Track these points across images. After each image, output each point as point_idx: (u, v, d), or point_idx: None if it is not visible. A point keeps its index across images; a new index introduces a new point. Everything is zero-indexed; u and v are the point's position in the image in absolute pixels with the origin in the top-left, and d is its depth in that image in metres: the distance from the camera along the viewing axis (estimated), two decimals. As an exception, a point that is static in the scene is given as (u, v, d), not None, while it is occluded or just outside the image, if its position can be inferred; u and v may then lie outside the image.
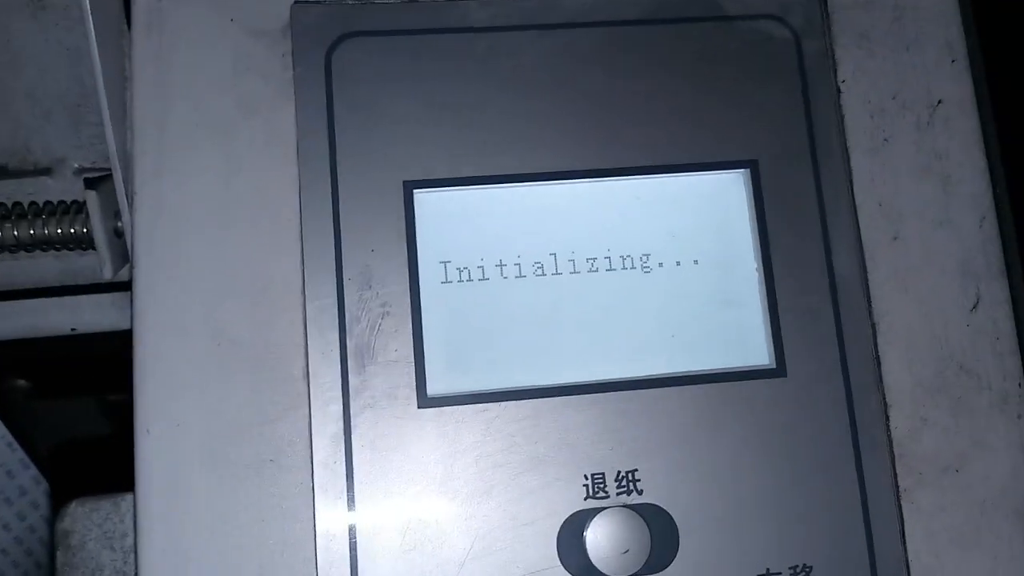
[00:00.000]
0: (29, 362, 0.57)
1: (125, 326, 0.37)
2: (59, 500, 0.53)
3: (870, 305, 0.31)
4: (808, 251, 0.31)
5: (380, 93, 0.32)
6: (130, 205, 0.31)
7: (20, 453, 0.50)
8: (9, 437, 0.48)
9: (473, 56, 0.32)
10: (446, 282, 0.31)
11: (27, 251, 0.35)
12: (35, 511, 0.52)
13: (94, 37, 0.30)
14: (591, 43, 0.33)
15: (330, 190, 0.31)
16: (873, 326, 0.31)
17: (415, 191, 0.31)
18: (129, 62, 0.33)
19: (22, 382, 0.58)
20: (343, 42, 0.32)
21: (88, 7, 0.30)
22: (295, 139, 0.31)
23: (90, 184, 0.33)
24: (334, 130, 0.31)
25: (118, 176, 0.31)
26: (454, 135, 0.31)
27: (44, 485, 0.52)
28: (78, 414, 0.61)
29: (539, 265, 0.31)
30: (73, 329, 0.36)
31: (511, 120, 0.32)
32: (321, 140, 0.31)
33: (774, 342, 0.30)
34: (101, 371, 0.60)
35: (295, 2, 0.32)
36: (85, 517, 0.34)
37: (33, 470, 0.51)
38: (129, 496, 0.33)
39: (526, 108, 0.32)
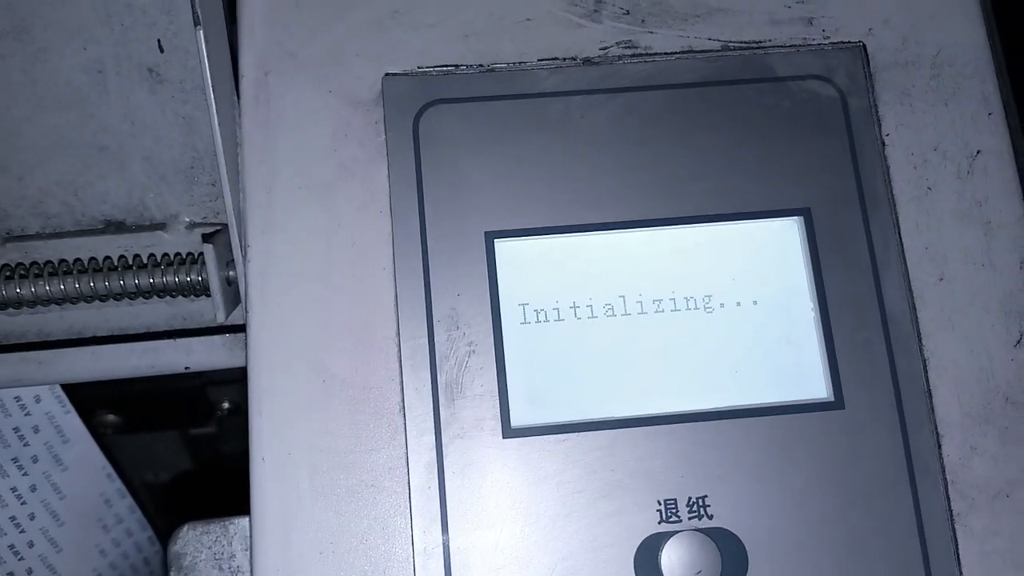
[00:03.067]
0: (118, 399, 0.61)
1: (234, 364, 0.40)
2: (151, 524, 0.57)
3: (920, 341, 0.33)
4: (861, 291, 0.33)
5: (463, 153, 0.35)
6: (244, 257, 0.34)
7: (118, 483, 0.53)
8: (109, 468, 0.52)
9: (547, 118, 0.36)
10: (525, 323, 0.34)
11: (145, 298, 0.39)
12: (129, 538, 0.56)
13: (215, 108, 0.34)
14: (653, 105, 0.36)
15: (419, 241, 0.34)
16: (924, 361, 0.33)
17: (496, 240, 0.34)
18: (239, 129, 0.36)
19: (112, 417, 0.63)
20: (429, 108, 0.36)
21: (210, 81, 0.34)
22: (388, 197, 0.35)
23: (206, 238, 0.36)
24: (422, 188, 0.35)
25: (233, 231, 0.35)
26: (530, 189, 0.35)
27: (138, 514, 0.55)
28: (161, 448, 0.66)
29: (610, 307, 0.34)
30: (187, 368, 0.40)
31: (582, 175, 0.35)
32: (411, 196, 0.35)
33: (831, 377, 0.32)
34: (183, 408, 0.64)
35: (386, 74, 0.36)
36: (196, 540, 0.37)
37: (129, 500, 0.54)
38: (237, 520, 0.36)
39: (596, 164, 0.35)
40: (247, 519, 0.34)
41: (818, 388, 0.32)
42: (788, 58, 0.37)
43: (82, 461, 0.52)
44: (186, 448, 0.66)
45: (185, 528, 0.37)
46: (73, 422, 0.50)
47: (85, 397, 0.52)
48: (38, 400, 0.48)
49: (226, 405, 0.65)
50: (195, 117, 0.39)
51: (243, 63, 0.36)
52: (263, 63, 0.36)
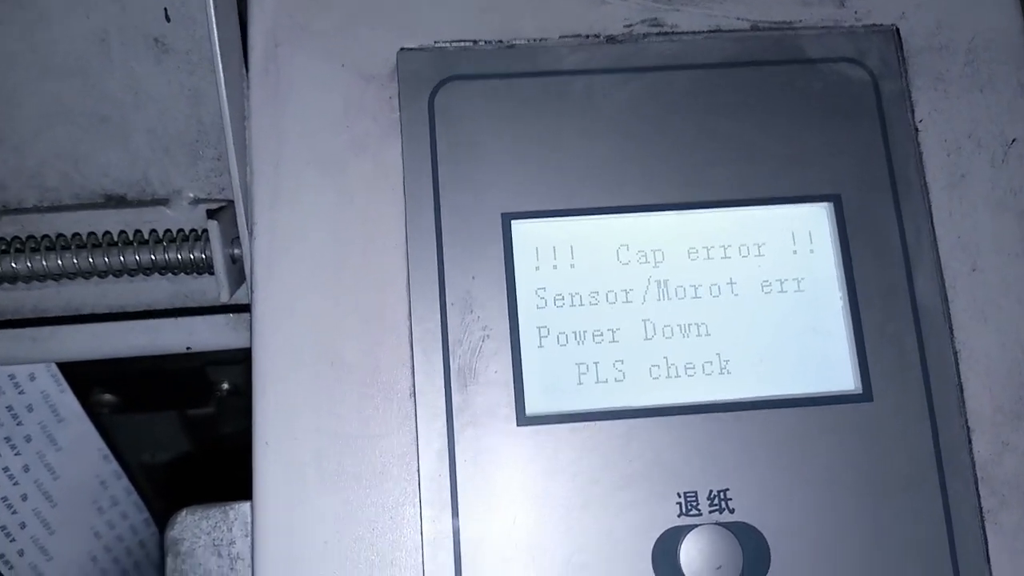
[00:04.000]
0: (116, 378, 0.60)
1: (238, 345, 0.39)
2: (148, 507, 0.56)
3: (952, 333, 0.32)
4: (891, 281, 0.32)
5: (479, 131, 0.34)
6: (249, 234, 0.33)
7: (114, 464, 0.52)
8: (105, 449, 0.51)
9: (566, 97, 0.34)
10: (542, 307, 0.32)
11: (145, 275, 0.38)
12: (124, 520, 0.55)
13: (223, 79, 0.33)
14: (679, 85, 0.35)
15: (433, 221, 0.33)
16: (955, 353, 0.32)
17: (513, 221, 0.33)
18: (247, 102, 0.35)
19: (108, 396, 0.61)
20: (445, 85, 0.35)
21: (219, 52, 0.33)
22: (401, 175, 0.33)
23: (210, 214, 0.35)
24: (437, 166, 0.34)
25: (239, 207, 0.34)
26: (548, 170, 0.33)
27: (134, 496, 0.54)
28: (160, 428, 0.64)
29: (630, 292, 0.33)
30: (188, 348, 0.39)
31: (603, 156, 0.34)
32: (425, 175, 0.33)
33: (860, 368, 0.31)
34: (182, 388, 0.63)
35: (401, 48, 0.35)
36: (195, 525, 0.36)
37: (125, 481, 0.53)
38: (237, 505, 0.35)
39: (617, 145, 0.34)
40: (248, 504, 0.33)
41: (846, 380, 0.31)
42: (819, 40, 0.35)
43: (77, 441, 0.51)
44: (184, 429, 0.65)
45: (183, 513, 0.36)
46: (69, 401, 0.49)
47: (82, 376, 0.51)
48: (33, 378, 0.47)
49: (225, 386, 0.64)
50: (201, 89, 0.38)
51: (252, 34, 0.35)
52: (273, 34, 0.35)
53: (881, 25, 0.36)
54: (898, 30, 0.36)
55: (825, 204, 0.33)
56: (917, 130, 0.35)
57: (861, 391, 0.31)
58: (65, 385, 0.49)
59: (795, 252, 0.33)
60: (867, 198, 0.33)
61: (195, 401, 0.65)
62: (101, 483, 0.53)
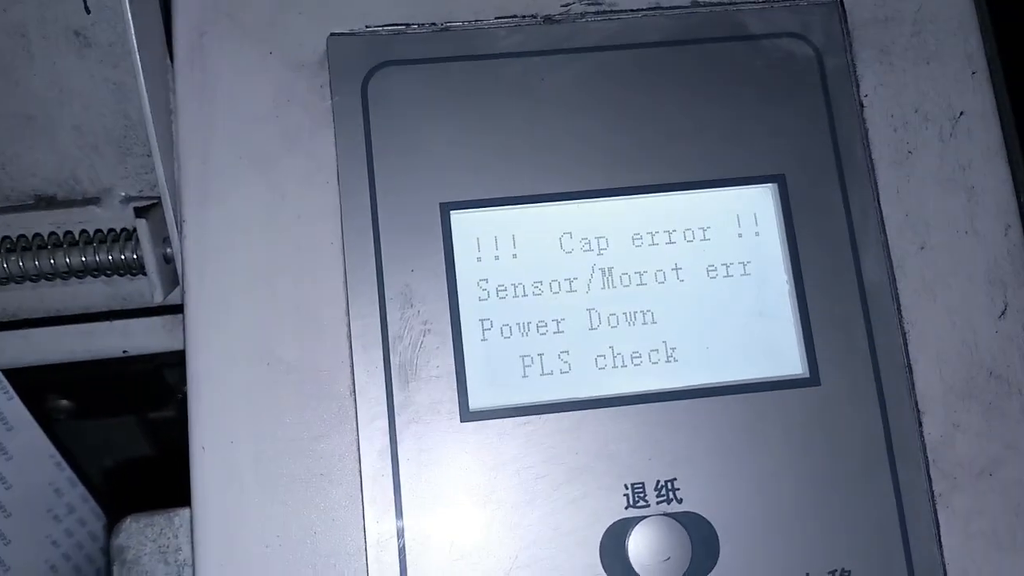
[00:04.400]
0: (70, 383, 0.59)
1: (174, 347, 0.38)
2: (106, 514, 0.55)
3: (900, 314, 0.32)
4: (837, 262, 0.32)
5: (416, 119, 0.33)
6: (179, 232, 0.32)
7: (68, 472, 0.51)
8: (58, 456, 0.50)
9: (505, 80, 0.33)
10: (484, 299, 0.32)
11: (78, 277, 0.37)
12: (82, 528, 0.54)
13: (141, 71, 0.32)
14: (619, 66, 0.34)
15: (370, 213, 0.32)
16: (904, 334, 0.31)
17: (452, 212, 0.32)
18: (173, 95, 0.34)
19: (64, 402, 0.60)
20: (378, 71, 0.34)
21: (135, 43, 0.31)
22: (335, 166, 0.32)
23: (139, 213, 0.34)
24: (372, 156, 0.32)
25: (167, 204, 0.32)
26: (488, 157, 0.33)
27: (91, 503, 0.53)
28: (119, 433, 0.63)
29: (575, 280, 0.32)
30: (125, 351, 0.37)
31: (543, 142, 0.33)
32: (360, 166, 0.32)
33: (807, 352, 0.30)
34: (140, 391, 0.62)
35: (331, 34, 0.34)
36: (140, 532, 0.35)
37: (80, 488, 0.52)
38: (182, 511, 0.34)
39: (558, 130, 0.33)
40: (186, 510, 0.32)
41: (793, 364, 0.31)
42: (761, 15, 0.35)
43: (27, 449, 0.49)
44: (144, 434, 0.64)
45: (128, 520, 0.35)
46: (16, 408, 0.48)
47: (34, 382, 0.49)
48: None
49: (186, 389, 0.63)
50: (126, 83, 0.36)
51: (177, 23, 0.33)
52: (198, 24, 0.33)
53: (825, -1, 0.35)
54: (842, 2, 0.35)
55: (769, 185, 0.33)
56: (862, 105, 0.34)
57: (808, 375, 0.30)
58: (12, 392, 0.48)
59: (740, 235, 0.32)
60: (812, 178, 0.33)
61: (154, 405, 0.63)
62: (55, 491, 0.52)
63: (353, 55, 0.33)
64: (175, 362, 0.59)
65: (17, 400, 0.48)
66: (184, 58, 0.33)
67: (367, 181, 0.32)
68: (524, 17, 0.34)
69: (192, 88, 0.33)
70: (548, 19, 0.34)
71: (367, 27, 0.34)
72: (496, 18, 0.34)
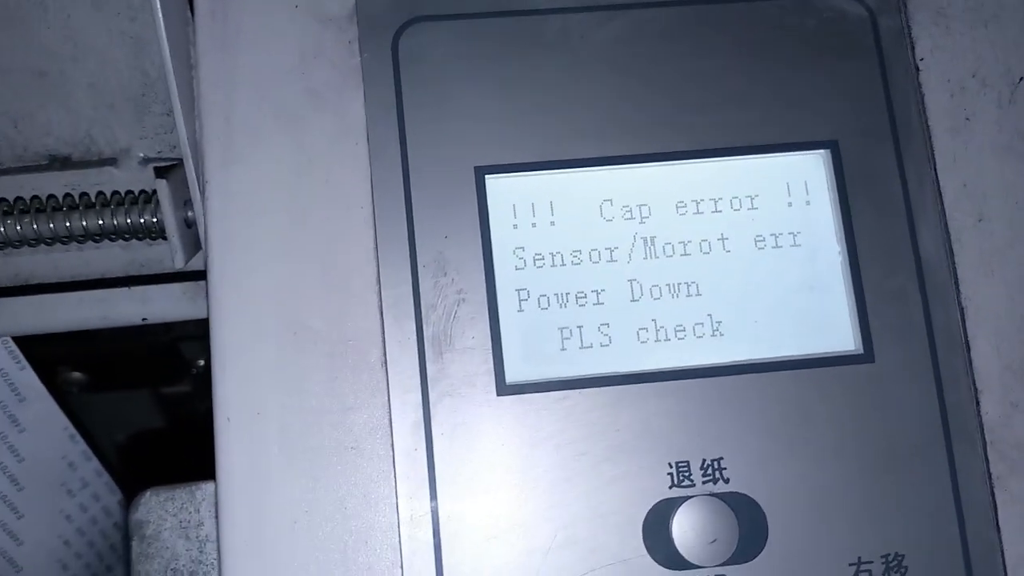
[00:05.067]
0: (84, 355, 0.57)
1: (195, 315, 0.37)
2: (121, 489, 0.54)
3: (958, 288, 0.30)
4: (893, 234, 0.30)
5: (449, 77, 0.31)
6: (202, 194, 0.31)
7: (82, 445, 0.50)
8: (72, 429, 0.49)
9: (543, 38, 0.32)
10: (521, 268, 0.30)
11: (94, 241, 0.35)
12: (97, 503, 0.53)
13: (163, 24, 0.30)
14: (663, 24, 0.32)
15: (401, 177, 0.30)
16: (961, 310, 0.30)
17: (487, 176, 0.31)
18: (194, 49, 0.32)
19: (77, 375, 0.59)
20: (410, 26, 0.32)
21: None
22: (364, 126, 0.31)
23: (160, 173, 0.32)
24: (403, 116, 0.31)
25: (189, 164, 0.31)
26: (526, 119, 0.31)
27: (106, 476, 0.52)
28: (134, 405, 0.62)
29: (615, 250, 0.30)
30: (144, 319, 0.36)
31: (583, 103, 0.31)
32: (391, 126, 0.31)
33: (860, 327, 0.29)
34: (154, 361, 0.61)
35: (360, -13, 0.32)
36: (160, 507, 0.34)
37: (95, 462, 0.51)
38: (204, 485, 0.33)
39: (598, 91, 0.31)
40: (210, 483, 0.31)
41: (846, 340, 0.29)
42: (812, -28, 0.33)
43: (41, 421, 0.48)
44: (159, 408, 0.63)
45: (148, 494, 0.34)
46: (29, 379, 0.47)
47: (47, 353, 0.48)
48: None
49: (201, 363, 0.61)
50: (144, 37, 0.35)
51: (198, -25, 0.32)
52: (221, -26, 0.32)
53: (880, -43, 0.33)
54: (897, -39, 0.33)
55: (821, 152, 0.31)
56: (918, 69, 0.32)
57: (862, 351, 0.29)
58: (24, 362, 0.46)
59: (790, 204, 0.31)
60: (866, 144, 0.31)
61: (169, 379, 0.62)
62: (69, 464, 0.51)
63: (383, 9, 0.32)
64: (191, 335, 0.58)
65: (30, 370, 0.46)
66: (206, 10, 0.32)
67: (398, 143, 0.31)
68: (562, -28, 0.33)
69: (214, 41, 0.32)
70: (588, -26, 0.33)
71: (397, -20, 0.32)
72: (533, -27, 0.33)
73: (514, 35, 0.32)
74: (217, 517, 0.28)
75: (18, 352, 0.46)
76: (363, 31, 0.31)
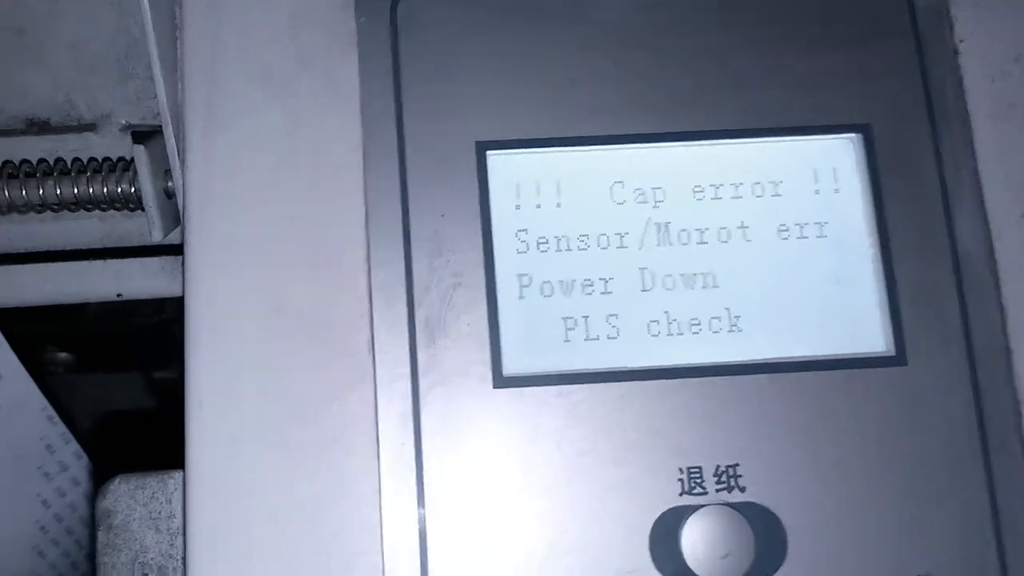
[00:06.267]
0: (70, 333, 0.55)
1: (174, 292, 0.34)
2: (102, 477, 0.51)
3: (999, 288, 0.28)
4: (928, 227, 0.28)
5: (450, 47, 0.29)
6: (181, 163, 0.28)
7: (61, 427, 0.47)
8: (50, 410, 0.46)
9: (553, 9, 0.30)
10: (523, 252, 0.28)
11: (70, 210, 0.33)
12: (76, 488, 0.50)
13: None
14: (682, -3, 0.30)
15: (396, 148, 0.28)
16: (1002, 311, 0.28)
17: (489, 152, 0.28)
18: (179, 9, 0.30)
19: (63, 354, 0.57)
20: (409, -8, 0.30)
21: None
22: (358, 94, 0.29)
23: (138, 139, 0.30)
24: (400, 84, 0.29)
25: (168, 132, 0.29)
26: (532, 93, 0.29)
27: (85, 460, 0.50)
28: (120, 388, 0.60)
29: (626, 235, 0.28)
30: (119, 295, 0.34)
31: (595, 76, 0.29)
32: (386, 96, 0.29)
33: (893, 327, 0.27)
34: (144, 343, 0.58)
35: (358, -52, 0.30)
36: (129, 495, 0.31)
37: (74, 444, 0.49)
38: (177, 474, 0.31)
39: (611, 64, 0.29)
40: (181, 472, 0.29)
41: (876, 340, 0.27)
42: (846, -55, 0.30)
43: (17, 401, 0.46)
44: (147, 391, 0.60)
45: (116, 481, 0.32)
46: (6, 356, 0.44)
47: (31, 330, 0.46)
48: None
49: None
50: (130, -4, 0.32)
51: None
52: (209, -72, 0.30)
53: (917, -70, 0.31)
54: (937, -64, 0.31)
55: (852, 135, 0.29)
56: (957, 52, 0.30)
57: (894, 353, 0.27)
58: (1, 338, 0.44)
59: (817, 192, 0.29)
60: (900, 130, 0.29)
61: (158, 362, 0.60)
62: (47, 447, 0.48)
63: (382, -28, 0.29)
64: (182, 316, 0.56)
65: (6, 346, 0.44)
66: (193, -32, 0.30)
67: (394, 112, 0.29)
68: (575, -62, 0.30)
69: (199, 2, 0.29)
70: (602, -60, 0.31)
71: (398, -57, 0.30)
72: (544, -61, 0.30)
73: (521, 4, 0.30)
74: (184, 509, 0.26)
75: (-10, 326, 0.44)
76: (359, -5, 0.29)
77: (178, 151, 0.29)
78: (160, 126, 0.33)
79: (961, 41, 0.30)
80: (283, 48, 0.29)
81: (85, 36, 0.33)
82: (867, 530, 0.25)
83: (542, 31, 0.29)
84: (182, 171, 0.28)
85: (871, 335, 0.27)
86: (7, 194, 0.32)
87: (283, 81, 0.29)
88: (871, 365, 0.26)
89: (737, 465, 0.26)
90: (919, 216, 0.28)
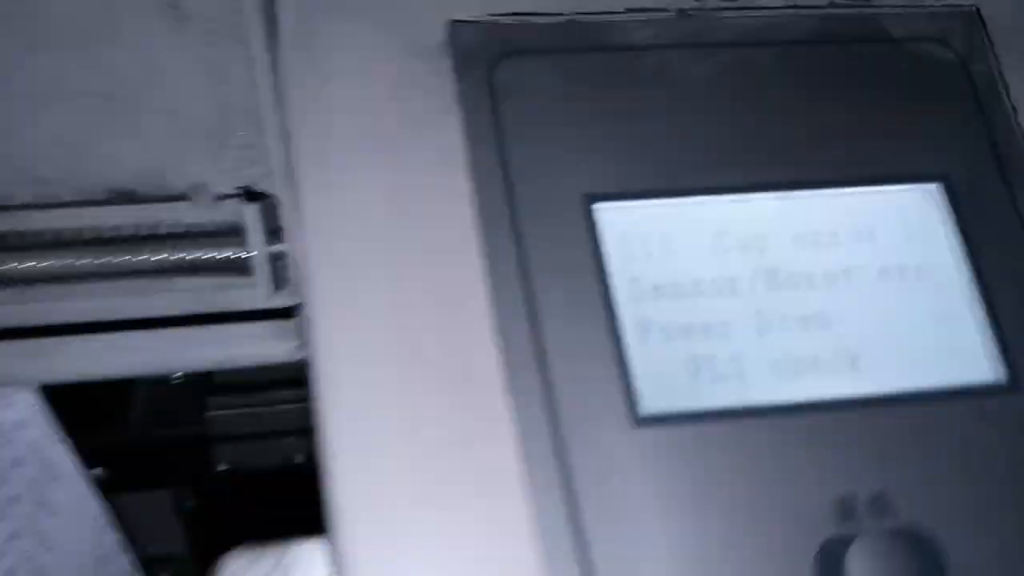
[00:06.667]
0: (108, 450, 0.51)
1: (281, 358, 0.33)
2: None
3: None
4: (1017, 263, 0.30)
5: (548, 108, 0.31)
6: (298, 226, 0.28)
7: (115, 535, 0.44)
8: (104, 517, 0.43)
9: (640, 72, 0.32)
10: (640, 299, 0.29)
11: (158, 278, 0.32)
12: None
13: (260, 48, 0.29)
14: (759, 62, 0.32)
15: (506, 205, 0.29)
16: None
17: (597, 204, 0.29)
18: (275, 78, 0.31)
19: (99, 471, 0.53)
20: (505, 59, 0.31)
21: (256, 19, 0.28)
22: (463, 153, 0.29)
23: (249, 199, 0.30)
24: (504, 144, 0.30)
25: (283, 194, 0.29)
26: (631, 148, 0.30)
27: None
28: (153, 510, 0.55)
29: (736, 281, 0.29)
30: (226, 363, 0.33)
31: (690, 133, 0.31)
32: (491, 153, 0.30)
33: (1003, 357, 0.28)
34: (179, 464, 0.55)
35: (452, 21, 0.31)
36: (242, 571, 0.30)
37: (131, 555, 0.45)
38: (295, 546, 0.29)
39: (704, 122, 0.31)
40: (304, 545, 0.28)
41: (985, 370, 0.28)
42: (900, 19, 0.34)
43: (74, 506, 0.42)
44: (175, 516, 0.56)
45: (233, 554, 0.30)
46: (63, 455, 0.41)
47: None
48: (21, 426, 0.39)
49: (223, 467, 0.56)
50: (225, 63, 0.33)
51: (281, 2, 0.31)
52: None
53: (961, 5, 0.34)
54: (979, 10, 0.34)
55: (934, 185, 0.31)
56: (1015, 111, 0.33)
57: (1005, 381, 0.28)
58: (60, 434, 0.41)
59: (909, 236, 0.30)
60: (976, 178, 0.31)
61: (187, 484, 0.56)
62: (101, 557, 0.44)
63: (476, 44, 0.31)
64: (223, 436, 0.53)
65: (67, 446, 0.41)
66: (290, 37, 0.31)
67: (500, 169, 0.29)
68: (655, 10, 0.33)
69: (302, 70, 0.30)
70: (682, 12, 0.33)
71: (489, 15, 0.31)
72: (626, 10, 0.32)
73: (611, 68, 0.31)
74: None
75: (51, 424, 0.40)
76: (457, 63, 0.31)
77: (289, 213, 0.29)
78: (261, 193, 0.33)
79: (1018, 101, 0.33)
80: (387, 111, 0.30)
81: (179, 103, 0.33)
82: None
83: (633, 92, 0.31)
84: (297, 234, 0.28)
85: (982, 366, 0.28)
86: (95, 261, 0.31)
87: (390, 142, 0.30)
88: (988, 394, 0.28)
89: (885, 491, 0.26)
90: (1007, 255, 0.30)
